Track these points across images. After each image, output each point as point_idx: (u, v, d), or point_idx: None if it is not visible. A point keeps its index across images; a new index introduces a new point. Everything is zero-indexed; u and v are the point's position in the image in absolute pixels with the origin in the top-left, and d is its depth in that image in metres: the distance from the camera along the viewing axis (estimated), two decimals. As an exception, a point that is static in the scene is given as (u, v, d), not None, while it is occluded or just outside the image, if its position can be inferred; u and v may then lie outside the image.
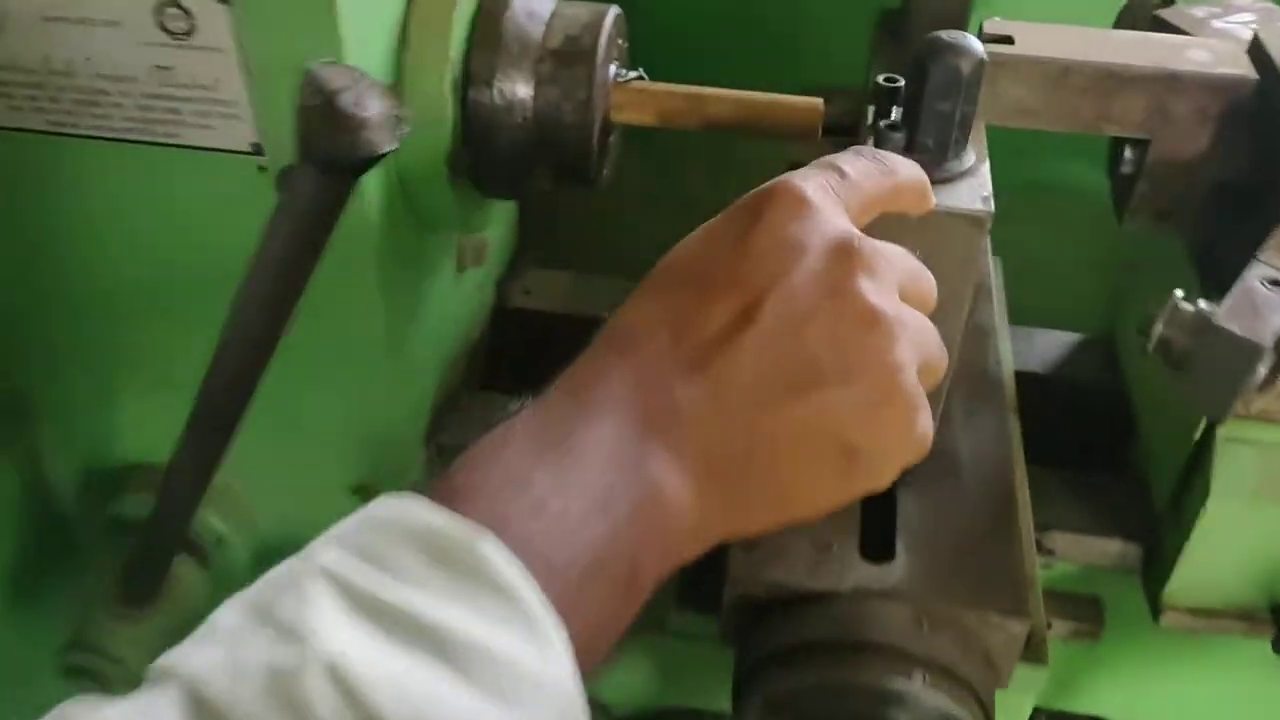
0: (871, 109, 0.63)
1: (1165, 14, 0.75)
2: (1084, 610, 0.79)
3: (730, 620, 0.60)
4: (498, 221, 0.88)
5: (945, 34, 0.56)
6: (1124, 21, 0.78)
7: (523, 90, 0.67)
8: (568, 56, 0.67)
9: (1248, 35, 0.68)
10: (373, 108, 0.39)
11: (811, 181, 0.49)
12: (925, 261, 0.51)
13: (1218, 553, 0.70)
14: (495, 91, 0.67)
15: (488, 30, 0.67)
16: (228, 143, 0.63)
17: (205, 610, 0.79)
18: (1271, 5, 0.77)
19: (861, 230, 0.49)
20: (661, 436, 0.44)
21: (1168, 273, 0.77)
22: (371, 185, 0.64)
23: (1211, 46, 0.67)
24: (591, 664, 0.39)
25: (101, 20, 0.59)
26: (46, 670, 0.77)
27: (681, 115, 0.70)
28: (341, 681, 0.32)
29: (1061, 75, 0.64)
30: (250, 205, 0.54)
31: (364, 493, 0.79)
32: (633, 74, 0.71)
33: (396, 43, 0.64)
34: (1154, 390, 0.77)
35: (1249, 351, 0.51)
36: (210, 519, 0.79)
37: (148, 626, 0.75)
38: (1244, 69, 0.65)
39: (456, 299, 0.82)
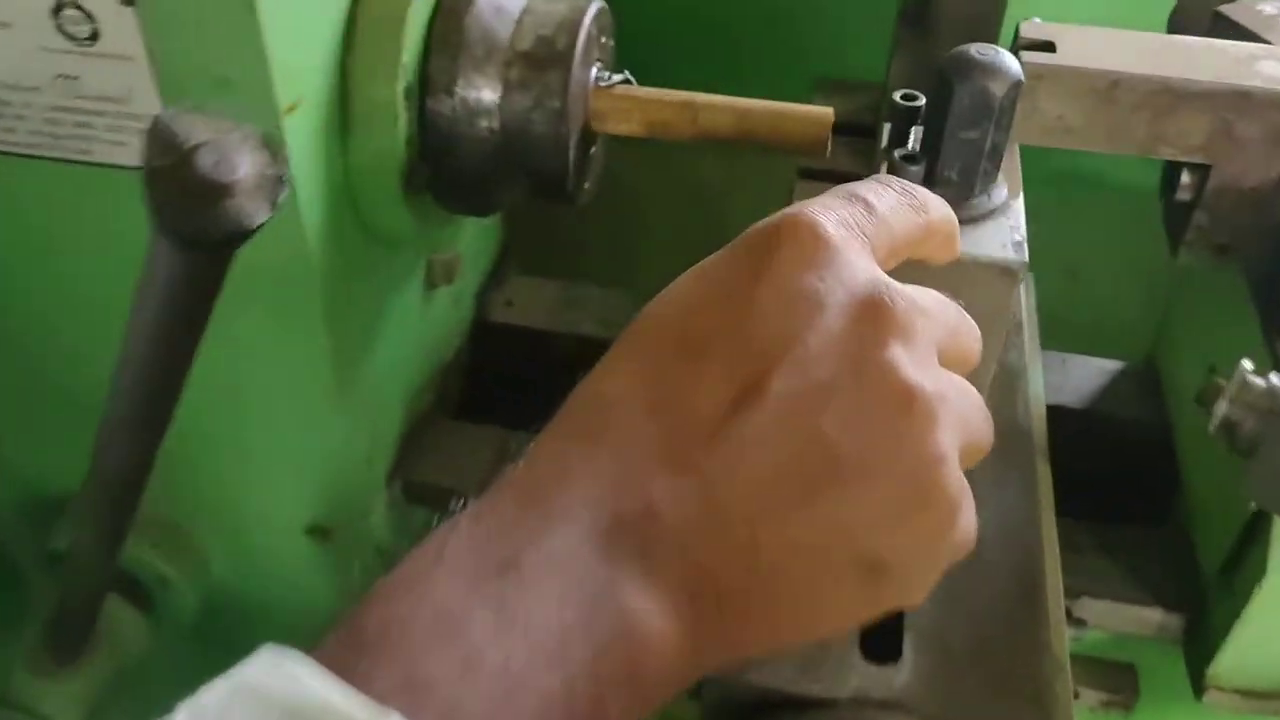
0: (886, 129, 0.54)
1: (1228, 10, 0.66)
2: (1117, 679, 0.71)
3: (711, 723, 0.53)
4: (475, 229, 0.80)
5: (975, 50, 0.47)
6: (1179, 20, 0.68)
7: (488, 98, 0.59)
8: (540, 60, 0.59)
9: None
10: (241, 168, 0.31)
11: (833, 215, 0.39)
12: None
13: (1273, 632, 0.61)
14: (456, 100, 0.59)
15: (448, 30, 0.58)
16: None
17: (146, 658, 0.73)
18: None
19: None
20: (636, 552, 0.35)
21: (1226, 301, 0.68)
22: (312, 202, 0.56)
23: (1286, 55, 0.58)
24: None
25: (-9, 22, 0.51)
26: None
27: (672, 126, 0.62)
28: None
29: (1110, 90, 0.55)
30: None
31: (319, 534, 0.72)
32: (617, 77, 0.62)
33: (340, 46, 0.56)
34: (1206, 442, 0.69)
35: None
36: (153, 560, 0.72)
37: (80, 680, 0.69)
38: (1325, 83, 0.56)
39: (425, 319, 0.74)
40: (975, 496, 0.40)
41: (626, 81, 0.63)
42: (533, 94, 0.59)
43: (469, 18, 0.58)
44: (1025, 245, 0.49)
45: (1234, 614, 0.62)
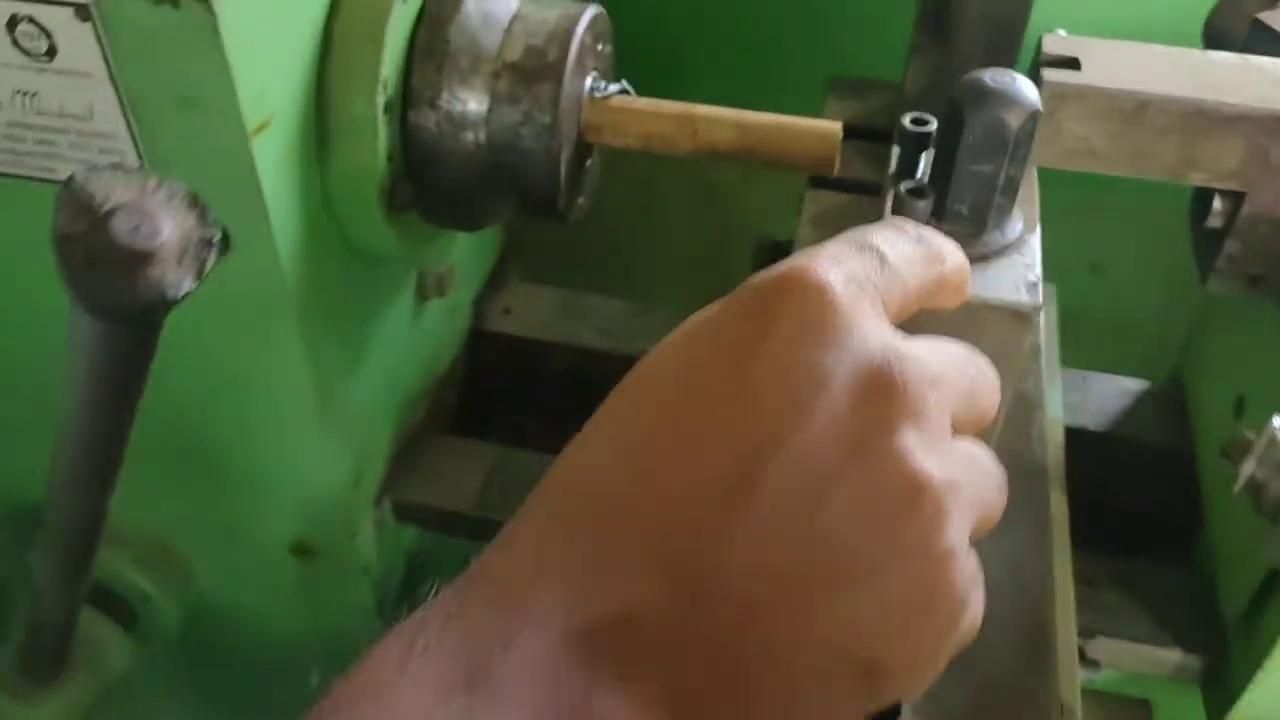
0: (895, 154, 0.51)
1: (1268, 17, 0.61)
2: (1131, 715, 0.68)
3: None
4: (471, 236, 0.77)
5: (989, 76, 0.44)
6: (1216, 26, 0.64)
7: (474, 111, 0.56)
8: (529, 71, 0.55)
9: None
10: (164, 232, 0.28)
11: (842, 272, 0.35)
12: None
13: (1299, 681, 0.58)
14: (441, 113, 0.56)
15: (432, 40, 0.55)
16: (110, 180, 0.52)
17: (128, 675, 0.71)
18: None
19: None
20: (613, 662, 0.32)
21: (1258, 328, 0.64)
22: (286, 222, 0.53)
23: (1330, 73, 0.54)
24: None
25: (-56, 36, 0.48)
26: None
27: (670, 140, 0.58)
28: None
29: (1138, 111, 0.52)
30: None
31: (304, 553, 0.69)
32: (613, 88, 0.59)
33: (316, 58, 0.53)
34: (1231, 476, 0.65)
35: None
36: (135, 577, 0.70)
37: (58, 700, 0.67)
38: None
39: (418, 331, 0.71)
40: (982, 542, 0.37)
41: (624, 92, 0.59)
42: (521, 108, 0.56)
43: (454, 26, 0.55)
44: (1040, 286, 0.46)
45: (1257, 660, 0.59)
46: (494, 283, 0.81)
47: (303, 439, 0.63)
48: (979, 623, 0.36)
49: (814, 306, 0.34)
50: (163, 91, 0.48)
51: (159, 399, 0.55)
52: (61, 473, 0.38)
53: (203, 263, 0.29)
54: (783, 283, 0.34)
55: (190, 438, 0.64)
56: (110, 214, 0.28)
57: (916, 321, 0.39)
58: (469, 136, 0.56)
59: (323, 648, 0.75)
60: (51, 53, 0.48)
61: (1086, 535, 0.64)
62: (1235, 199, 0.54)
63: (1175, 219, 0.63)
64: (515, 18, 0.57)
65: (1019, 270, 0.47)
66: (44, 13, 0.47)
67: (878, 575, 0.32)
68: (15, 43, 0.48)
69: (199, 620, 0.73)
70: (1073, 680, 0.56)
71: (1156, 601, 0.65)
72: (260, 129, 0.49)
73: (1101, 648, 0.63)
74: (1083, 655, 0.63)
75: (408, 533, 0.75)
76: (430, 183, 0.58)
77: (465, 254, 0.74)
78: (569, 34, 0.56)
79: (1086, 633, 0.63)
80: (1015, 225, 0.47)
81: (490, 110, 0.56)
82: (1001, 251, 0.47)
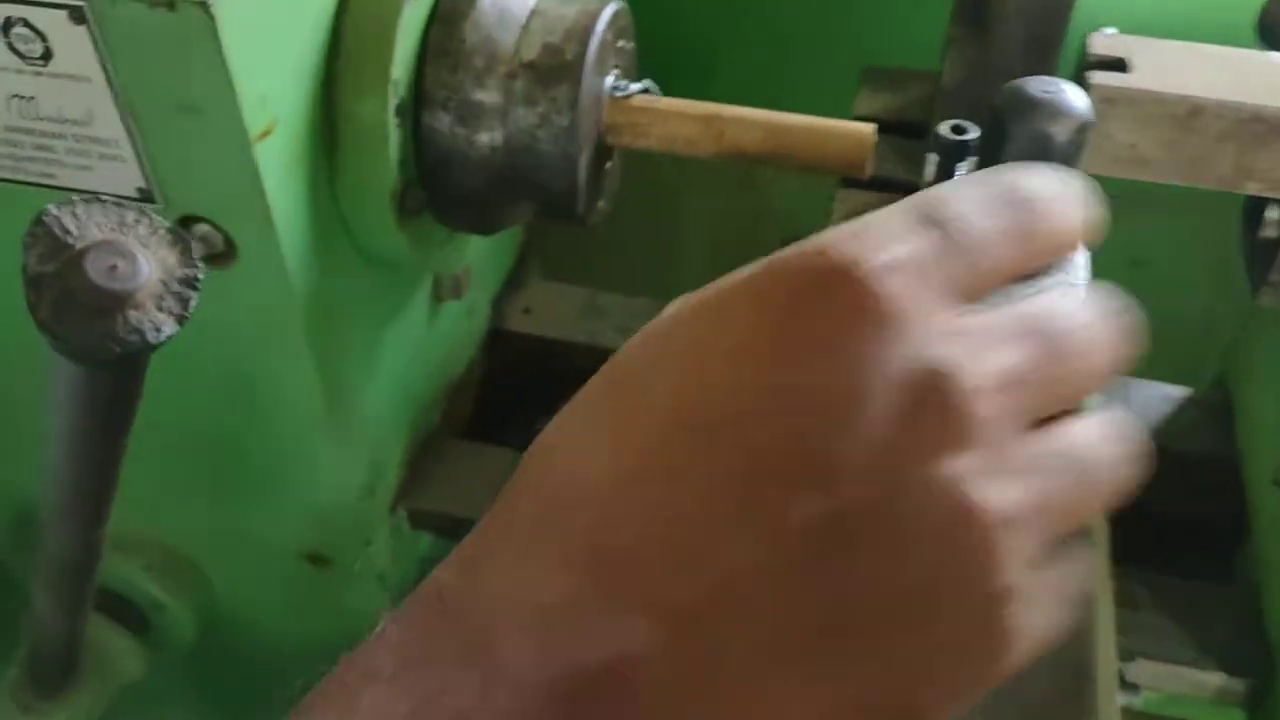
0: (933, 163, 0.48)
1: (1330, 10, 0.58)
2: (1171, 738, 0.65)
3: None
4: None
5: (1034, 86, 0.41)
6: (1270, 18, 0.60)
7: (490, 113, 0.53)
8: (547, 71, 0.53)
9: None
10: (143, 271, 0.26)
11: (893, 257, 0.28)
12: None
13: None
14: (454, 115, 0.53)
15: (445, 38, 0.53)
16: (111, 186, 0.50)
17: (140, 683, 0.69)
18: None
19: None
20: (598, 716, 0.27)
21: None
22: (293, 230, 0.51)
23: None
24: None
25: (-63, 38, 0.46)
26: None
27: (695, 142, 0.56)
28: None
29: (1190, 117, 0.49)
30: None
31: (317, 561, 0.68)
32: (635, 87, 0.56)
33: (323, 59, 0.50)
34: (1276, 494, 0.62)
35: None
36: (148, 584, 0.69)
37: (67, 712, 0.66)
38: None
39: (433, 334, 0.69)
40: None
41: (646, 91, 0.57)
42: (539, 109, 0.53)
43: (468, 23, 0.53)
44: (1086, 307, 0.43)
45: (1306, 688, 0.56)
46: (514, 281, 0.79)
47: (315, 449, 0.61)
48: (1040, 646, 0.30)
49: (854, 307, 0.27)
50: (161, 97, 0.46)
51: (169, 408, 0.53)
52: (52, 507, 0.36)
53: (186, 303, 0.27)
54: (822, 275, 0.27)
55: (202, 446, 0.63)
56: (84, 252, 0.26)
57: None
58: (484, 139, 0.54)
59: (337, 656, 0.73)
60: (47, 56, 0.46)
61: (1126, 550, 0.61)
62: (1293, 208, 0.51)
63: (1220, 209, 0.60)
64: (533, 14, 0.54)
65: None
66: (38, 15, 0.45)
67: (913, 626, 0.27)
68: (10, 46, 0.46)
69: (212, 628, 0.71)
70: (1112, 705, 0.53)
71: (1199, 621, 0.62)
72: (264, 135, 0.47)
73: (1142, 670, 0.61)
74: (1122, 679, 0.61)
75: (423, 539, 0.73)
76: (444, 187, 0.55)
77: (483, 253, 0.72)
78: (588, 31, 0.53)
79: (1126, 655, 0.61)
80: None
81: (506, 111, 0.53)
82: (1045, 269, 0.44)
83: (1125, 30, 0.55)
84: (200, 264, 0.28)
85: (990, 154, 0.43)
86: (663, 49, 0.62)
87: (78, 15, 0.44)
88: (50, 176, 0.51)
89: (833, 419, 0.27)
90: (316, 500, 0.64)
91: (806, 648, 0.27)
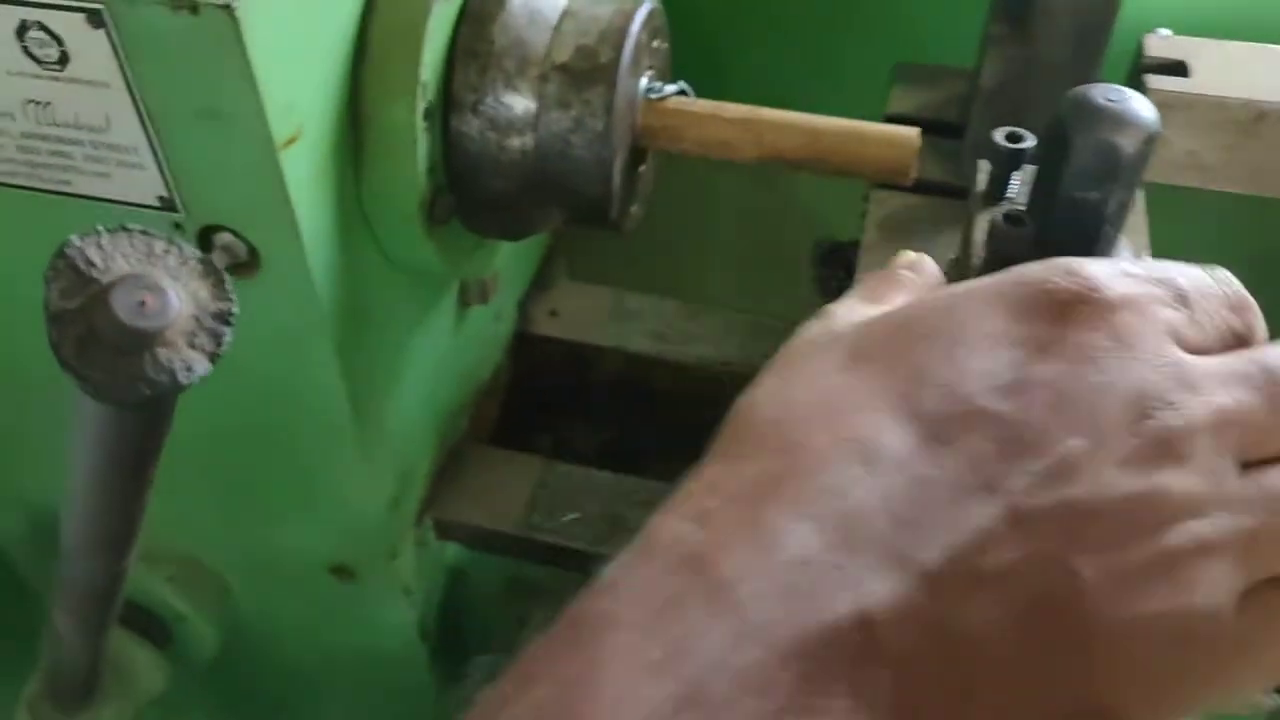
0: (982, 170, 0.46)
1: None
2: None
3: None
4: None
5: (1099, 94, 0.39)
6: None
7: (521, 117, 0.52)
8: (580, 73, 0.51)
9: None
10: (173, 306, 0.24)
11: (1134, 288, 0.31)
12: None
13: None
14: (484, 120, 0.52)
15: (474, 40, 0.51)
16: (130, 194, 0.48)
17: (163, 695, 0.68)
18: None
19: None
20: (843, 675, 0.27)
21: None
22: (319, 238, 0.50)
23: None
24: None
25: (-48, 43, 0.45)
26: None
27: (732, 146, 0.54)
28: None
29: (1254, 122, 0.46)
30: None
31: (342, 573, 0.66)
32: (670, 89, 0.55)
33: (350, 63, 0.49)
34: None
35: None
36: (170, 595, 0.68)
37: (92, 725, 0.65)
38: None
39: (460, 340, 0.67)
40: None
41: (682, 93, 0.55)
42: (572, 113, 0.51)
43: (498, 25, 0.51)
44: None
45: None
46: (540, 283, 0.77)
47: (342, 461, 0.59)
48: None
49: (1108, 325, 0.30)
50: (184, 103, 0.44)
51: (192, 420, 0.52)
52: (72, 542, 0.35)
53: (219, 339, 0.25)
54: (1081, 290, 0.31)
55: (226, 459, 0.61)
56: (111, 287, 0.24)
57: None
58: (515, 144, 0.52)
59: (362, 668, 0.72)
60: (64, 60, 0.44)
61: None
62: (1360, 217, 0.49)
63: (1257, 206, 0.58)
64: (565, 14, 0.52)
65: (1125, 306, 0.42)
66: (54, 18, 0.43)
67: (1128, 634, 0.29)
68: (26, 50, 0.44)
69: (235, 640, 0.70)
70: None
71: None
72: (290, 142, 0.46)
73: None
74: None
75: (449, 548, 0.71)
76: (473, 193, 0.54)
77: (510, 256, 0.70)
78: (623, 32, 0.51)
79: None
80: (1123, 254, 0.43)
81: (538, 115, 0.51)
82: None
83: (1175, 28, 0.53)
84: (234, 297, 0.26)
85: (1052, 165, 0.40)
86: (681, 42, 0.59)
87: (96, 19, 0.42)
88: (67, 184, 0.49)
89: (1069, 422, 0.29)
90: (342, 512, 0.62)
91: (1017, 643, 0.28)
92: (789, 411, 0.32)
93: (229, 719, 0.79)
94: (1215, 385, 0.31)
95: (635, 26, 0.51)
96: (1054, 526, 0.29)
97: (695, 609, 0.28)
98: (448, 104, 0.51)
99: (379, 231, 0.53)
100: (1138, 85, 0.48)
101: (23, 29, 0.44)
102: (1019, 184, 0.45)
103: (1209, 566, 0.29)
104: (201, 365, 0.25)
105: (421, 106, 0.49)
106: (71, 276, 0.24)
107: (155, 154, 0.46)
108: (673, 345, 0.74)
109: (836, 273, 0.80)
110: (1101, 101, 0.39)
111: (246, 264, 0.49)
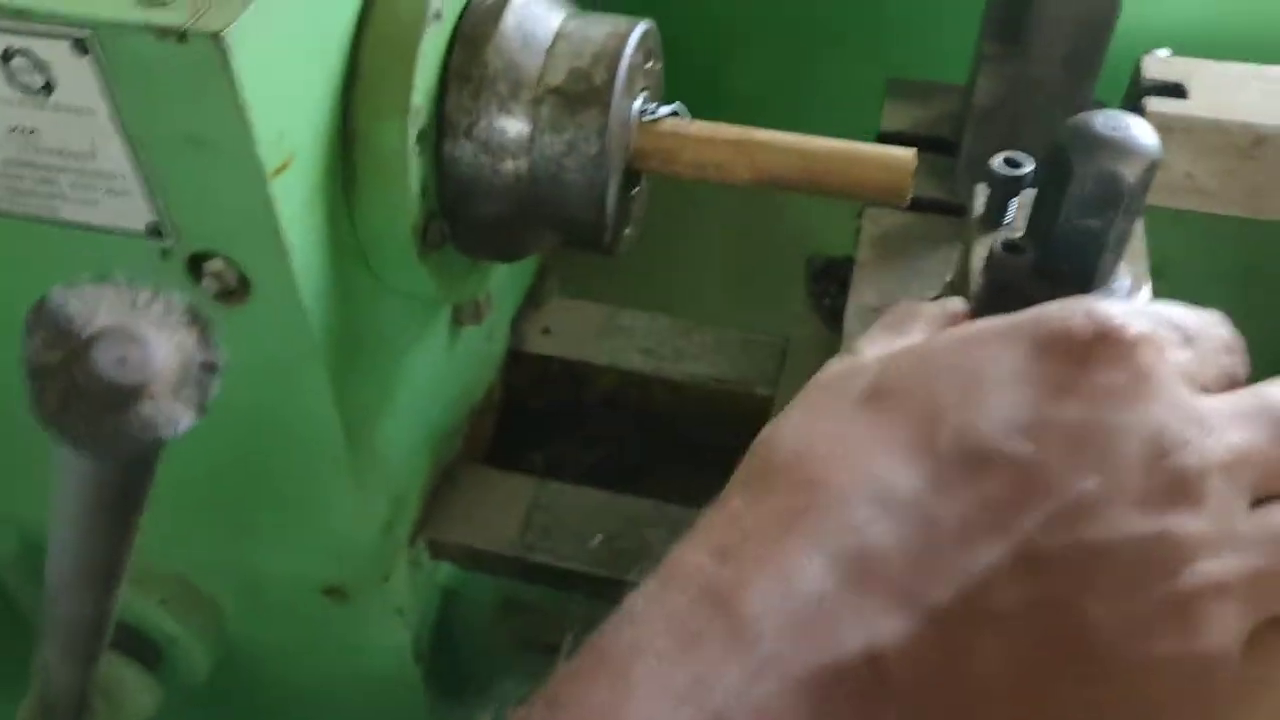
0: (979, 194, 0.46)
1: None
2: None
3: None
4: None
5: (1101, 122, 0.38)
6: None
7: (514, 141, 0.51)
8: (574, 97, 0.51)
9: None
10: (157, 358, 0.24)
11: (1148, 327, 0.32)
12: None
13: None
14: (478, 143, 0.51)
15: (467, 63, 0.50)
16: (118, 221, 0.48)
17: (156, 715, 0.67)
18: None
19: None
20: (855, 713, 0.29)
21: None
22: (310, 265, 0.49)
23: None
24: None
25: (-65, 70, 0.44)
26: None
27: (726, 168, 0.53)
28: None
29: (1253, 146, 0.46)
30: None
31: (335, 595, 0.66)
32: (665, 110, 0.54)
33: (341, 87, 0.48)
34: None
35: None
36: (162, 619, 0.67)
37: (80, 753, 0.64)
38: None
39: (453, 362, 0.67)
40: None
41: (675, 114, 0.54)
42: (566, 137, 0.51)
43: (491, 48, 0.50)
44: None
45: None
46: (533, 300, 0.76)
47: (335, 485, 0.59)
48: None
49: (1126, 366, 0.31)
50: (171, 131, 0.44)
51: (184, 449, 0.51)
52: (58, 581, 0.34)
53: (206, 391, 0.25)
54: (1101, 331, 0.31)
55: (219, 483, 0.60)
56: (92, 340, 0.24)
57: None
58: (509, 167, 0.51)
59: (355, 689, 0.72)
60: (49, 88, 0.44)
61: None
62: (1360, 240, 0.48)
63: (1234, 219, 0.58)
64: (558, 37, 0.52)
65: (1126, 334, 0.41)
66: (39, 45, 0.42)
67: (1135, 675, 0.29)
68: (10, 77, 0.44)
69: (227, 662, 0.69)
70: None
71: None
72: (280, 169, 0.45)
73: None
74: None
75: (443, 568, 0.71)
76: (467, 217, 0.53)
77: (503, 275, 0.69)
78: (617, 55, 0.51)
79: None
80: (1123, 282, 0.42)
81: (532, 139, 0.51)
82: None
83: (1173, 47, 0.53)
84: (221, 346, 0.25)
85: (1052, 192, 0.40)
86: (674, 60, 0.59)
87: (81, 46, 0.42)
88: (53, 211, 0.48)
89: (1086, 463, 0.30)
90: (336, 535, 0.62)
91: (1025, 682, 0.29)
92: (810, 448, 0.32)
93: (221, 742, 0.78)
94: (1226, 424, 0.31)
95: (629, 48, 0.51)
96: (1065, 567, 0.29)
97: (716, 641, 0.29)
98: (440, 128, 0.51)
99: (371, 257, 0.53)
100: (1136, 107, 0.48)
101: (7, 55, 0.43)
102: (1017, 209, 0.45)
103: (1218, 608, 0.29)
104: (187, 419, 0.25)
105: (414, 130, 0.49)
106: (52, 328, 0.24)
107: (142, 181, 0.46)
108: (666, 362, 0.73)
109: (830, 289, 0.80)
110: (1103, 129, 0.38)
111: (236, 291, 0.49)
